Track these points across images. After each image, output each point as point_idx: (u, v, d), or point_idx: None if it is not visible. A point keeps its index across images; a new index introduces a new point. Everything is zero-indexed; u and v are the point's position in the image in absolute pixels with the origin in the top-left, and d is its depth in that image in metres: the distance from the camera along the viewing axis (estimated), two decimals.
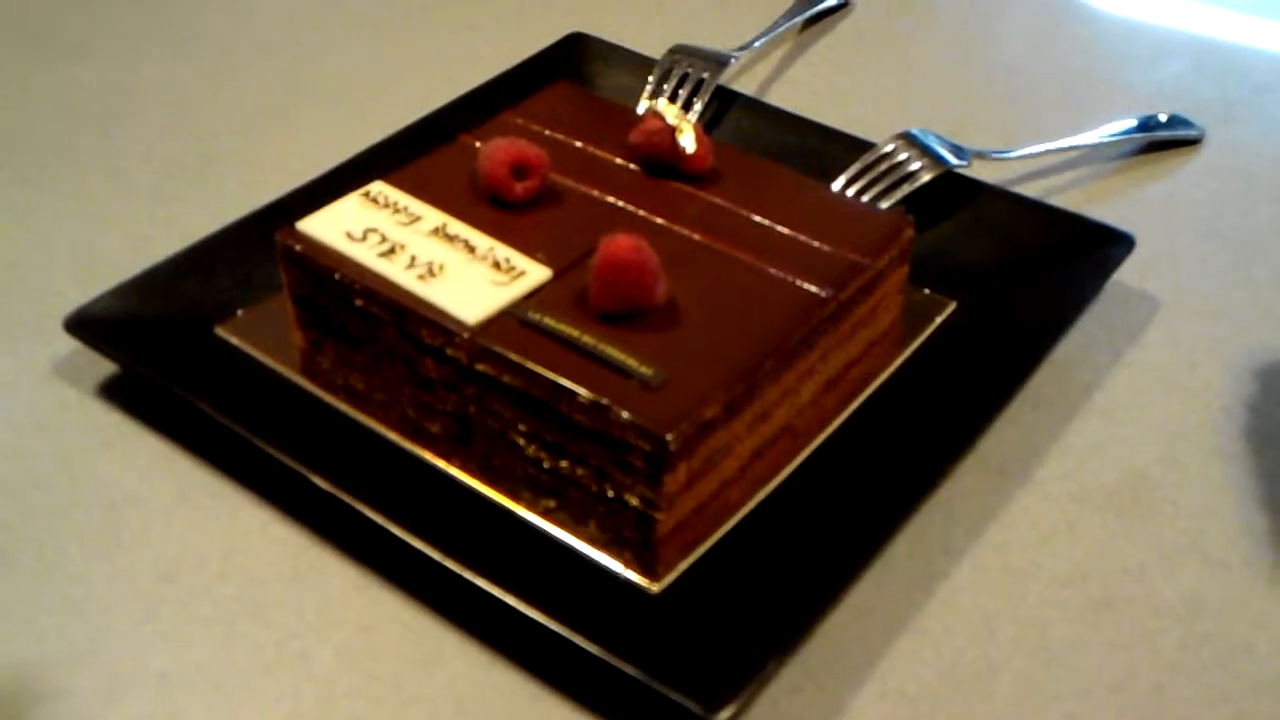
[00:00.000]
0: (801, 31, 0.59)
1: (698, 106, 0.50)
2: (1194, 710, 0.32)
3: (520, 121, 0.42)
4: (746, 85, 0.55)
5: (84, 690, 0.32)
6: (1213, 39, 0.61)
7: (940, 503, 0.37)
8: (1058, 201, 0.47)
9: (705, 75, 0.51)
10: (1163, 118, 0.53)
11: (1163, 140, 0.52)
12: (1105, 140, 0.51)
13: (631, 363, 0.33)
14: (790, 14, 0.59)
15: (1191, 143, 0.53)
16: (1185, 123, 0.53)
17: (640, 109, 0.50)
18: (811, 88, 0.56)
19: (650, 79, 0.51)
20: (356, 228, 0.37)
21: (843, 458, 0.37)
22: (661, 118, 0.40)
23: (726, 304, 0.36)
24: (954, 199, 0.46)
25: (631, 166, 0.41)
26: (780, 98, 0.54)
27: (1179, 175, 0.51)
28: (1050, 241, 0.44)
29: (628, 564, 0.33)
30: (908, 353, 0.40)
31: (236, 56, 0.57)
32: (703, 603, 0.32)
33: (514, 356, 0.33)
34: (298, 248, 0.36)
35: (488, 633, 0.33)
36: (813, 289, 0.36)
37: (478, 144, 0.40)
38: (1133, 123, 0.52)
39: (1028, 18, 0.62)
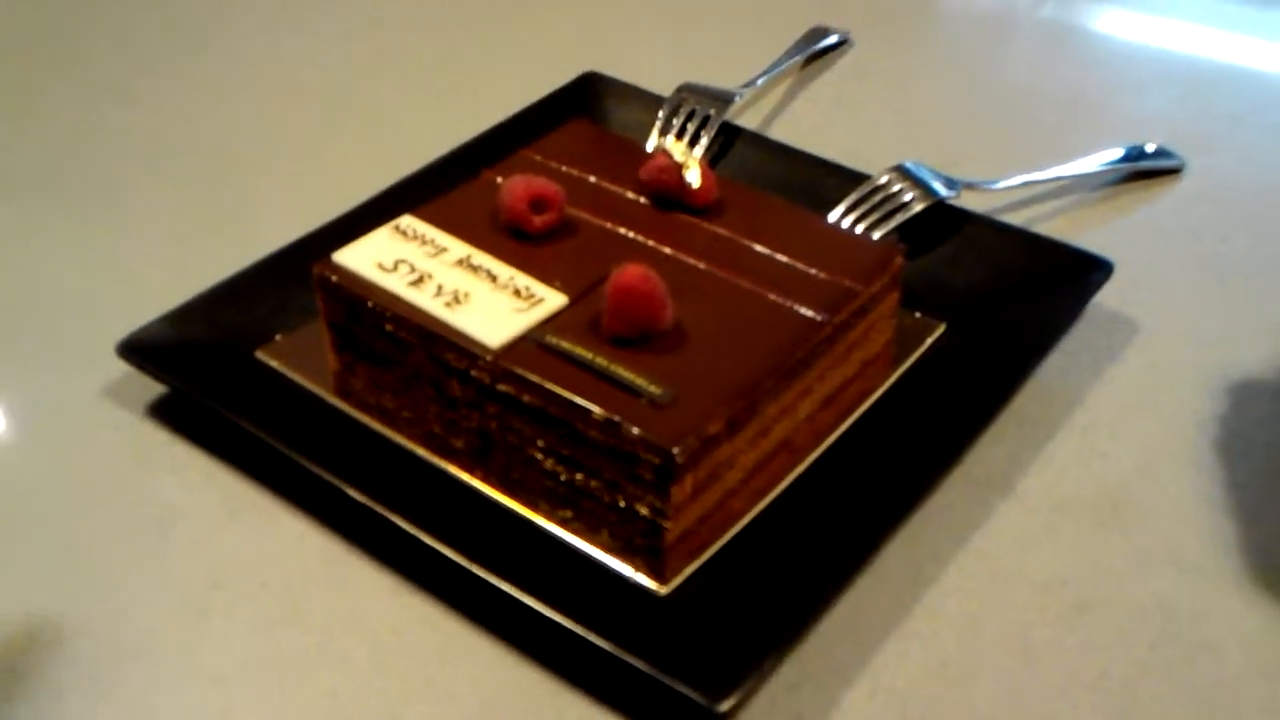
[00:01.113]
0: (803, 68, 0.61)
1: (704, 141, 0.52)
2: (1165, 707, 0.34)
3: (538, 158, 0.44)
4: (750, 120, 0.57)
5: (140, 687, 0.34)
6: (1193, 71, 0.62)
7: (929, 513, 0.39)
8: (1043, 229, 0.49)
9: (711, 112, 0.53)
10: (1147, 148, 0.55)
11: (1145, 170, 0.54)
12: (1089, 171, 0.53)
13: (641, 383, 0.35)
14: (792, 52, 0.61)
15: (1173, 172, 0.54)
16: (1167, 153, 0.55)
17: (650, 144, 0.53)
18: (811, 122, 0.58)
19: (660, 115, 0.53)
20: (387, 259, 0.39)
21: (838, 470, 0.38)
22: (669, 155, 0.42)
23: (729, 328, 0.38)
24: (945, 227, 0.48)
25: (642, 200, 0.43)
26: (782, 132, 0.56)
27: (1159, 203, 0.53)
28: (1034, 267, 0.45)
29: (638, 568, 0.35)
30: (899, 372, 0.42)
31: (272, 99, 0.59)
32: (707, 604, 0.34)
33: (533, 377, 0.35)
34: (333, 278, 0.38)
35: (510, 633, 0.35)
36: (809, 314, 0.38)
37: (499, 179, 0.42)
38: (1116, 153, 0.54)
39: (1017, 54, 0.64)
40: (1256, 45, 0.65)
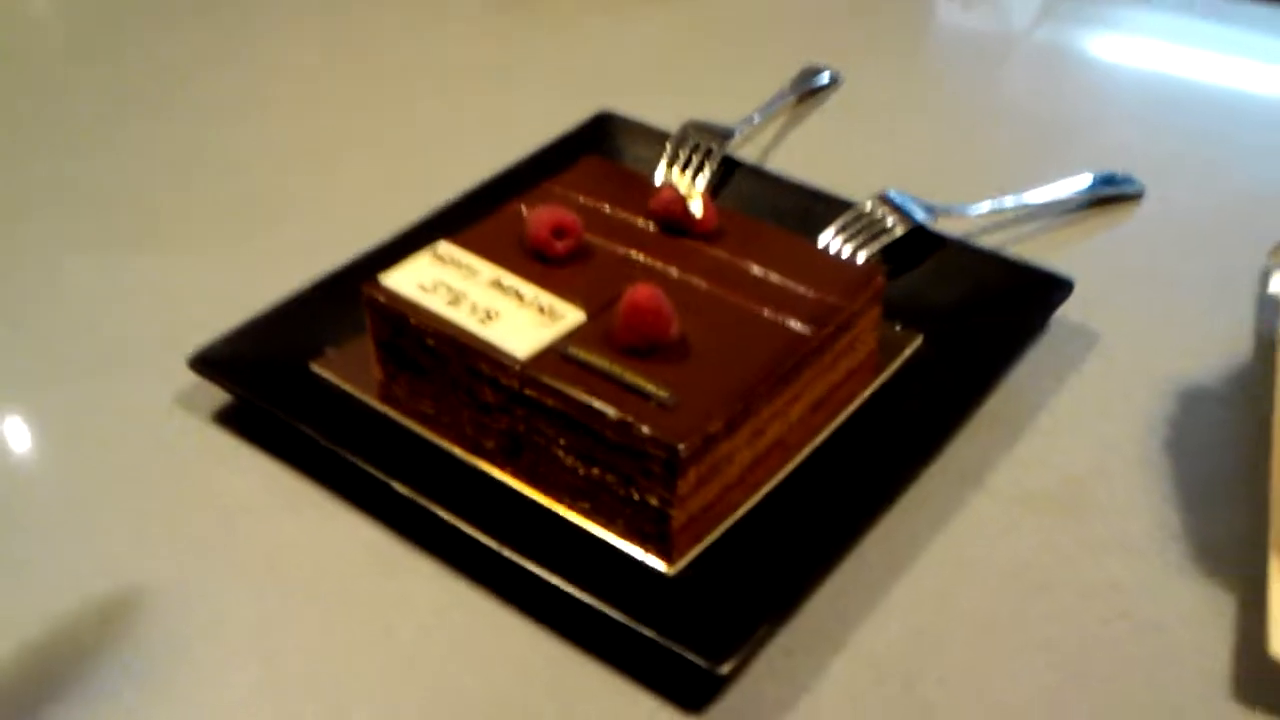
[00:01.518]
0: (796, 105, 0.65)
1: (706, 173, 0.57)
2: (1112, 672, 0.37)
3: (559, 190, 0.49)
4: (748, 152, 0.61)
5: (208, 663, 0.38)
6: (1160, 99, 0.66)
7: (908, 503, 0.42)
8: (1012, 250, 0.53)
9: (713, 146, 0.58)
10: (1109, 174, 0.59)
11: (1107, 195, 0.58)
12: (1056, 199, 0.57)
13: (650, 388, 0.39)
14: (786, 90, 0.65)
15: (1134, 197, 0.58)
16: (1128, 180, 0.59)
17: (658, 174, 0.57)
18: (803, 154, 0.62)
19: (667, 149, 0.58)
20: (428, 280, 0.43)
21: (826, 466, 0.42)
22: (676, 188, 0.47)
23: (728, 340, 0.42)
24: (924, 249, 0.52)
25: (651, 227, 0.47)
26: (777, 163, 0.60)
27: (1120, 227, 0.57)
28: (1003, 285, 0.49)
29: (649, 551, 0.39)
30: (882, 379, 0.46)
31: (320, 138, 0.64)
32: (710, 582, 0.38)
33: (556, 384, 0.39)
34: (381, 298, 0.43)
35: (536, 609, 0.39)
36: (799, 328, 0.42)
37: (524, 210, 0.47)
38: (1083, 179, 0.58)
39: (995, 88, 0.68)
40: (1226, 69, 0.69)
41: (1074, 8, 0.75)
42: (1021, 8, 0.77)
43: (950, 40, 0.75)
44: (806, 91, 0.66)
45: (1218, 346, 0.49)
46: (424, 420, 0.43)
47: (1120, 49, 0.73)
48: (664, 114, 0.60)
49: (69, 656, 0.38)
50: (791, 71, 0.67)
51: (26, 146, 0.63)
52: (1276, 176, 0.59)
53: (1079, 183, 0.57)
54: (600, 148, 0.57)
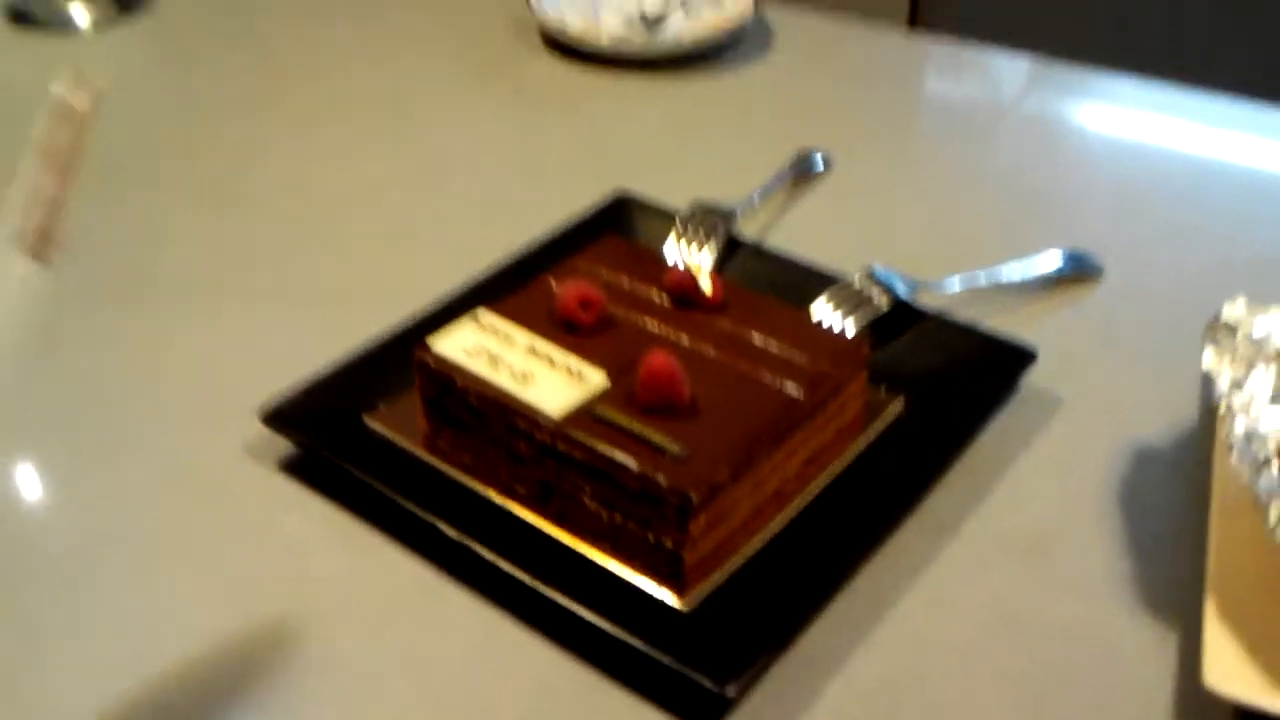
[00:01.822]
0: (792, 188, 0.71)
1: (712, 249, 0.62)
2: (1069, 698, 0.42)
3: (584, 266, 0.54)
4: (749, 229, 0.66)
5: (279, 680, 0.42)
6: (1125, 180, 0.71)
7: (892, 548, 0.47)
8: (985, 323, 0.57)
9: (717, 224, 0.63)
10: (1075, 254, 0.64)
11: (1072, 273, 0.64)
12: (1025, 277, 0.62)
13: (665, 443, 0.44)
14: (782, 176, 0.71)
15: (1096, 274, 0.64)
16: (1090, 260, 0.64)
17: (669, 249, 0.62)
18: (798, 232, 0.66)
19: (676, 226, 0.64)
20: (470, 345, 0.48)
21: (819, 514, 0.47)
22: (687, 268, 0.52)
23: (733, 402, 0.47)
24: (905, 321, 0.57)
25: (665, 300, 0.52)
26: (775, 239, 0.66)
27: (1083, 302, 0.62)
28: (976, 354, 0.55)
29: (664, 587, 0.44)
30: (868, 437, 0.51)
31: (372, 217, 0.69)
32: (718, 615, 0.43)
33: (584, 439, 0.45)
34: (430, 361, 0.48)
35: (564, 638, 0.44)
36: (794, 392, 0.47)
37: (554, 283, 0.52)
38: (1049, 258, 0.63)
39: (974, 171, 0.74)
40: (1194, 147, 0.74)
41: (1059, 80, 0.82)
42: (1009, 78, 0.84)
43: (934, 121, 0.81)
44: (801, 174, 0.72)
45: (1167, 413, 0.54)
46: (465, 469, 0.48)
47: (1099, 122, 0.79)
48: (672, 193, 0.65)
49: (180, 692, 0.42)
50: (788, 154, 0.72)
51: (115, 227, 0.68)
52: (1227, 257, 0.65)
53: (1047, 261, 0.63)
54: (617, 225, 0.63)
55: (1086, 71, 0.83)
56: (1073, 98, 0.81)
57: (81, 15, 0.88)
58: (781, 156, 0.72)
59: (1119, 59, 0.89)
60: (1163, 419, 0.54)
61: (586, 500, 0.46)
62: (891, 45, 0.92)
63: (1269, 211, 0.69)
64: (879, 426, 0.51)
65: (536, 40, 0.86)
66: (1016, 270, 0.62)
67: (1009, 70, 0.85)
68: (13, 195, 0.35)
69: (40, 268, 0.35)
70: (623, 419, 0.45)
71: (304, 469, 0.50)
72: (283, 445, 0.51)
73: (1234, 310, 0.48)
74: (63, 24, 0.88)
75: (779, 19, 0.89)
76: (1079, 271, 0.63)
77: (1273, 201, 0.70)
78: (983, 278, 0.61)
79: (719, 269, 0.61)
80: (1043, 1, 1.65)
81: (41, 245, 0.34)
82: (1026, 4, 1.67)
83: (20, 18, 0.88)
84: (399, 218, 0.69)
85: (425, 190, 0.71)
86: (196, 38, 0.89)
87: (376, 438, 0.50)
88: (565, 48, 0.85)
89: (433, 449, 0.49)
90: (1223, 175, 0.73)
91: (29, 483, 0.52)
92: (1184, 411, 0.54)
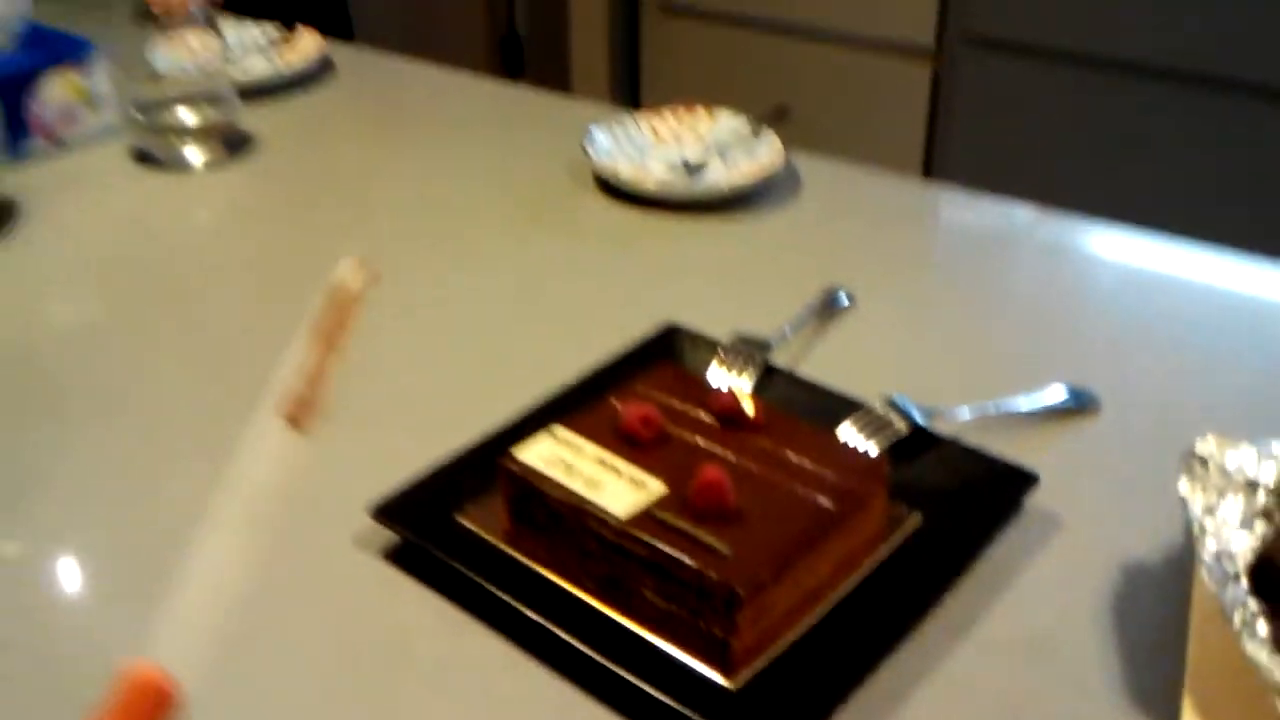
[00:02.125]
0: (820, 322, 0.79)
1: (751, 375, 0.71)
2: None
3: (642, 389, 0.62)
4: (782, 356, 0.74)
5: None
6: (1126, 316, 0.79)
7: (909, 646, 0.53)
8: (991, 447, 0.65)
9: (755, 354, 0.72)
10: (1076, 390, 0.70)
11: (1072, 405, 0.71)
12: (1032, 409, 0.70)
13: (716, 544, 0.52)
14: (811, 310, 0.79)
15: (1095, 406, 0.72)
16: (1089, 393, 0.72)
17: (712, 374, 0.71)
18: (826, 362, 0.74)
19: (719, 354, 0.72)
20: (547, 455, 0.57)
21: (848, 612, 0.54)
22: (733, 393, 0.61)
23: (773, 511, 0.54)
24: (922, 443, 0.65)
25: (713, 421, 0.60)
26: (805, 368, 0.74)
27: (1082, 430, 0.69)
28: (983, 475, 0.62)
29: (715, 669, 0.50)
30: (889, 547, 0.58)
31: (467, 350, 0.79)
32: (761, 695, 0.49)
33: (645, 538, 0.52)
34: (514, 468, 0.56)
35: (629, 711, 0.50)
36: (826, 504, 0.55)
37: (616, 403, 0.61)
38: (1053, 391, 0.70)
39: (984, 302, 0.82)
40: (1193, 293, 0.82)
41: (1060, 225, 0.90)
42: (1016, 223, 0.92)
43: (947, 261, 0.90)
44: (827, 308, 0.81)
45: (1154, 533, 0.60)
46: (543, 561, 0.56)
47: (1097, 264, 0.87)
48: (712, 321, 0.74)
49: None
50: (815, 289, 0.80)
51: (229, 352, 0.78)
52: (1213, 390, 0.72)
53: (1051, 394, 0.71)
54: (668, 351, 0.71)
55: (1085, 219, 0.92)
56: (1073, 241, 0.91)
57: (196, 157, 1.00)
58: (810, 291, 0.80)
59: (1119, 211, 0.98)
60: (1151, 538, 0.60)
61: (647, 592, 0.53)
62: (908, 191, 1.02)
63: (1251, 349, 0.77)
64: (899, 537, 0.58)
65: (591, 183, 0.97)
66: (1024, 403, 0.70)
67: (1016, 216, 0.94)
68: (284, 368, 0.39)
69: (299, 435, 0.38)
70: (679, 522, 0.53)
71: (404, 558, 0.58)
72: (387, 536, 0.58)
73: (1205, 446, 0.56)
74: (180, 164, 1.00)
75: (807, 167, 1.00)
76: (1079, 405, 0.71)
77: (1256, 339, 0.78)
78: (992, 408, 0.69)
79: (758, 393, 0.69)
80: (1048, 157, 1.79)
81: (303, 414, 0.38)
82: (1033, 157, 1.80)
83: (144, 158, 1.00)
84: (475, 340, 0.77)
85: (498, 317, 0.80)
86: (291, 178, 1.00)
87: (467, 533, 0.57)
88: (617, 190, 0.96)
89: (515, 543, 0.57)
90: (1211, 315, 0.81)
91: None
92: (1169, 532, 0.61)
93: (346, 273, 0.41)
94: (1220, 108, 1.63)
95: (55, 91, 1.00)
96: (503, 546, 0.57)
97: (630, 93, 2.24)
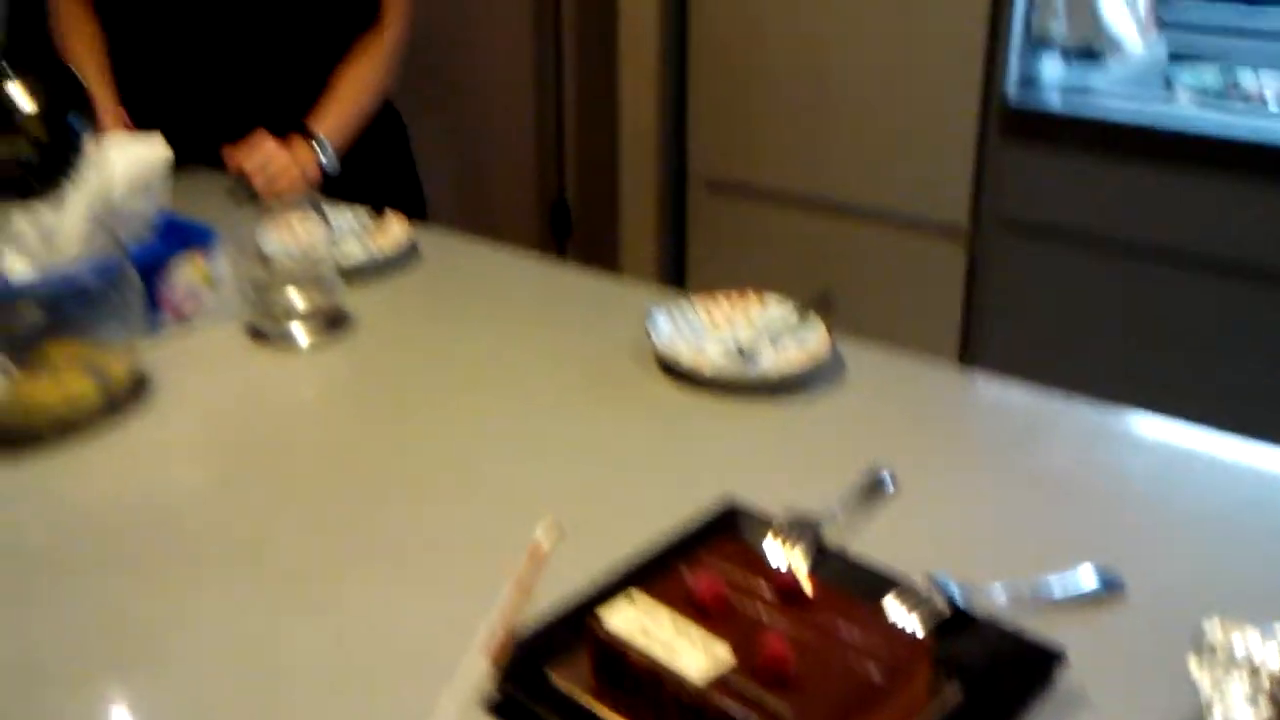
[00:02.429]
0: (864, 503, 0.87)
1: (803, 550, 0.79)
2: None
3: (708, 560, 0.71)
4: (832, 533, 0.83)
5: None
6: (1140, 505, 0.87)
7: None
8: (1025, 622, 0.72)
9: (807, 531, 0.81)
10: (1104, 574, 0.77)
11: (1101, 592, 0.78)
12: (1064, 595, 0.77)
13: (780, 709, 0.59)
14: (856, 493, 0.88)
15: (1121, 589, 0.79)
16: (1116, 578, 0.78)
17: (767, 545, 0.79)
18: (872, 539, 0.82)
19: (775, 530, 0.81)
20: (629, 618, 0.65)
21: None
22: (791, 570, 0.69)
23: (827, 677, 0.61)
24: (961, 621, 0.72)
25: (772, 593, 0.69)
26: (853, 544, 0.82)
27: (1108, 610, 0.76)
28: (1016, 652, 0.69)
29: None
30: (930, 714, 0.65)
31: (527, 522, 0.88)
32: None
33: (717, 701, 0.60)
34: (599, 632, 0.64)
35: None
36: (875, 675, 0.63)
37: (686, 572, 0.69)
38: (1082, 570, 0.78)
39: (1014, 493, 0.90)
40: (1219, 484, 0.90)
41: (1089, 412, 0.99)
42: (1047, 409, 1.00)
43: (982, 445, 0.99)
44: (872, 489, 0.89)
45: (1171, 707, 0.67)
46: (624, 716, 0.63)
47: (1121, 449, 0.95)
48: (764, 495, 0.83)
49: None
50: (860, 465, 0.89)
51: (310, 517, 0.88)
52: (1230, 574, 0.79)
53: (1080, 575, 0.78)
54: (729, 525, 0.80)
55: (1114, 407, 1.01)
56: (1103, 426, 0.99)
57: (301, 335, 1.13)
58: (856, 470, 0.89)
59: (1146, 391, 1.07)
60: (1168, 711, 0.67)
61: None
62: (945, 378, 1.12)
63: (1271, 534, 0.84)
64: (939, 706, 0.65)
65: (653, 366, 1.08)
66: (1056, 587, 0.77)
67: (1048, 403, 1.03)
68: (490, 614, 0.46)
69: (495, 668, 0.45)
70: (747, 687, 0.61)
71: (503, 711, 0.66)
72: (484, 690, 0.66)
73: (1213, 629, 0.63)
74: (288, 341, 1.13)
75: (852, 355, 1.10)
76: (1107, 588, 0.78)
77: (1272, 523, 0.85)
78: (1026, 589, 0.76)
79: (812, 569, 0.78)
80: (1081, 338, 1.89)
81: (502, 652, 0.45)
82: (1067, 338, 1.90)
83: (257, 334, 1.14)
84: (552, 510, 0.86)
85: (567, 488, 0.89)
86: (384, 359, 1.13)
87: (557, 688, 0.65)
88: (676, 372, 1.06)
89: (600, 699, 0.65)
90: (1230, 501, 0.88)
91: None
92: (1185, 707, 0.67)
93: (542, 533, 0.50)
94: (1255, 297, 1.72)
95: (183, 275, 1.14)
96: (590, 704, 0.64)
97: (676, 261, 2.40)
